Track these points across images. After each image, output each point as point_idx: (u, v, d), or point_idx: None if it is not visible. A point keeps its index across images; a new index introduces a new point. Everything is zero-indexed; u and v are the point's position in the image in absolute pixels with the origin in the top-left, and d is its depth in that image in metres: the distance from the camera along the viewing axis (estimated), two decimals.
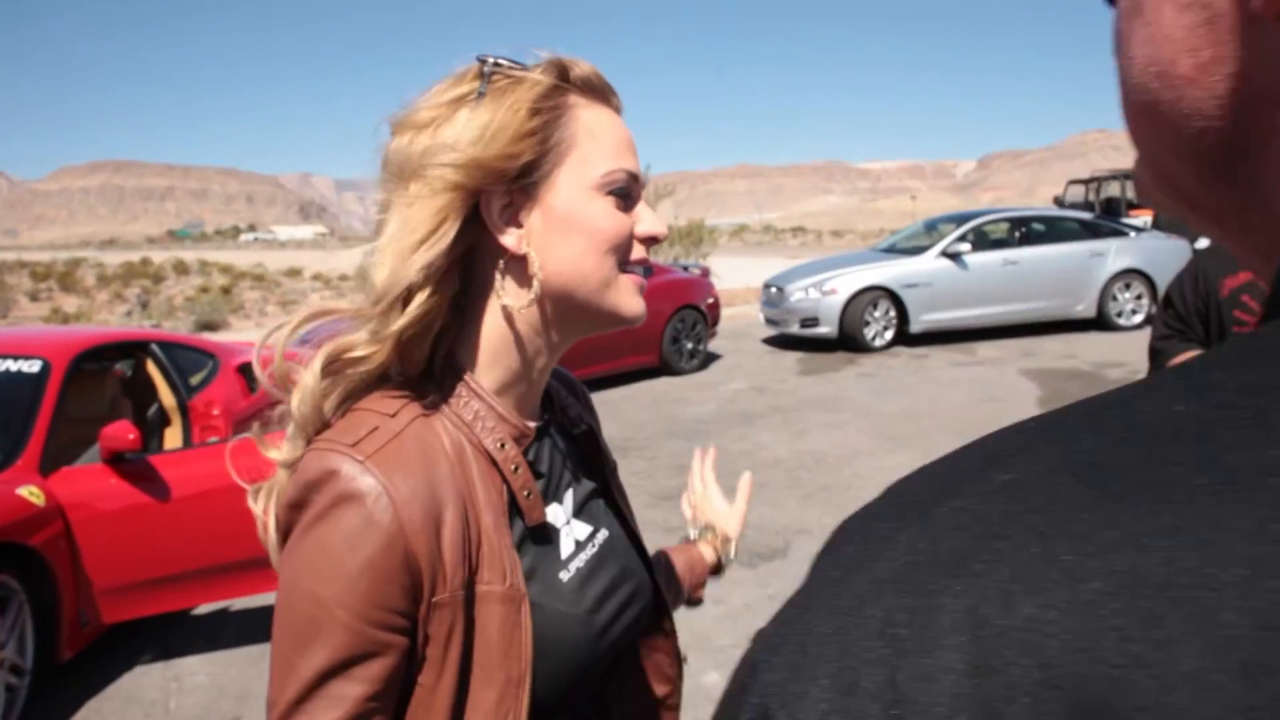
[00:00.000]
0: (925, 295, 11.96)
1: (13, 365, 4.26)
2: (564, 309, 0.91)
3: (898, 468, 6.66)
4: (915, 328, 12.01)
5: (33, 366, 4.25)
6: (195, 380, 5.30)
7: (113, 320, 20.38)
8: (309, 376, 0.86)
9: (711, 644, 4.16)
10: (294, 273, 35.18)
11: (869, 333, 11.83)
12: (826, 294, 11.82)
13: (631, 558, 1.02)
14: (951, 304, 12.07)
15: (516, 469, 0.90)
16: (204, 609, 4.69)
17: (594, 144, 0.90)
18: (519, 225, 0.88)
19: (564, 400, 1.07)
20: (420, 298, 0.84)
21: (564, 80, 0.90)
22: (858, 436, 7.66)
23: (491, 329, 0.90)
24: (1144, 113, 0.40)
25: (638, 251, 0.93)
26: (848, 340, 11.80)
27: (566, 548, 0.94)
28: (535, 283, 0.88)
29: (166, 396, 5.14)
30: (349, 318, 0.89)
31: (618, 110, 0.95)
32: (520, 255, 0.88)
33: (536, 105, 0.86)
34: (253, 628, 4.51)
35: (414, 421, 0.86)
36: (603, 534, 0.99)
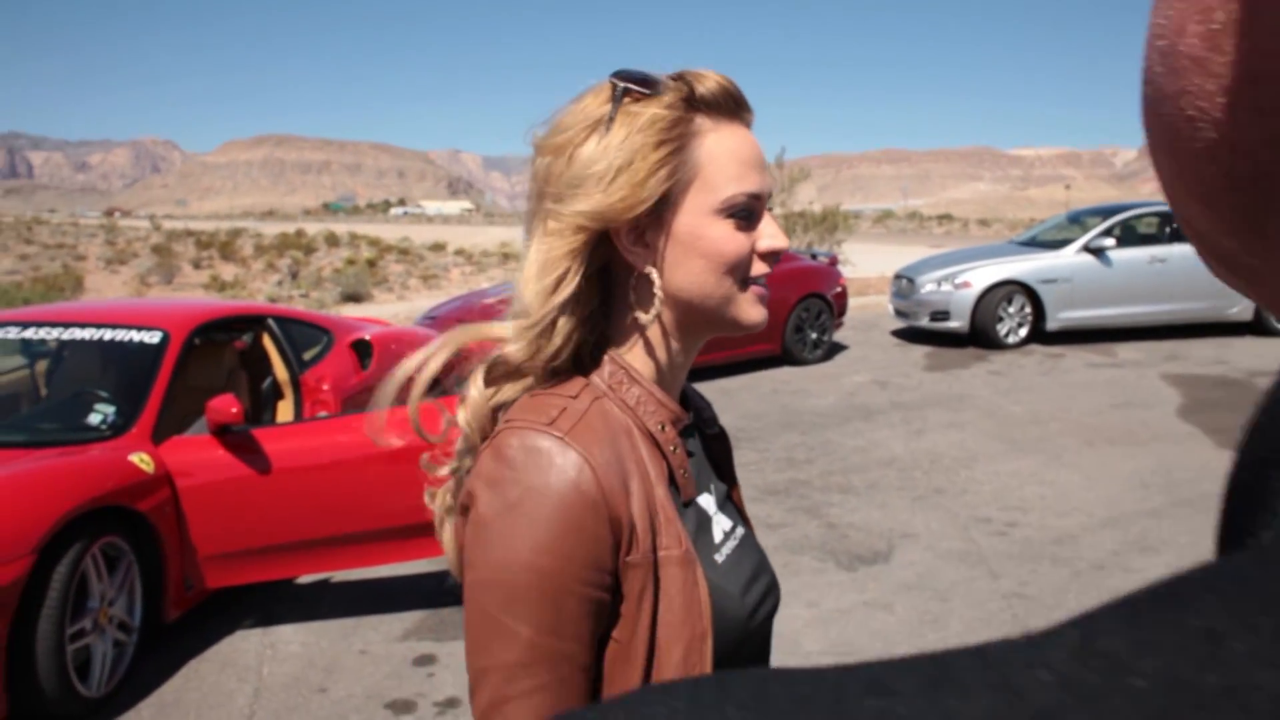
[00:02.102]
0: (1064, 292, 11.43)
1: (135, 335, 4.46)
2: (690, 320, 0.99)
3: (1016, 473, 6.39)
4: (1052, 325, 11.49)
5: (153, 337, 4.44)
6: (309, 356, 5.45)
7: (265, 289, 21.30)
8: (474, 391, 0.96)
9: (800, 648, 4.07)
10: (438, 247, 36.08)
11: (1002, 329, 11.39)
12: (959, 287, 11.43)
13: (762, 554, 1.08)
14: (1092, 302, 11.51)
15: (675, 449, 0.99)
16: (305, 579, 4.84)
17: (716, 168, 0.95)
18: (645, 246, 0.96)
19: (699, 403, 1.15)
20: (562, 323, 0.93)
21: (690, 102, 0.95)
22: (979, 438, 7.38)
23: (632, 331, 1.00)
24: (1149, 119, 0.28)
25: (759, 267, 0.99)
26: (979, 336, 11.39)
27: (717, 534, 1.01)
28: (656, 301, 0.96)
29: (280, 370, 5.31)
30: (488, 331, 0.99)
31: (748, 124, 1.00)
32: (644, 275, 0.96)
33: (662, 138, 0.92)
34: (349, 601, 4.63)
35: (594, 402, 0.94)
36: (740, 530, 1.06)
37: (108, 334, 4.49)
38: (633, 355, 1.00)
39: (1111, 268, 11.46)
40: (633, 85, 0.94)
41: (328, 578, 4.85)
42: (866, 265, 23.33)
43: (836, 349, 11.55)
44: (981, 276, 11.42)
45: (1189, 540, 5.13)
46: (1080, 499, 5.87)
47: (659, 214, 0.95)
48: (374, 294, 20.91)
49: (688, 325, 1.00)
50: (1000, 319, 11.38)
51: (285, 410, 5.31)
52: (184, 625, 4.28)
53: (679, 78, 0.96)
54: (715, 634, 0.93)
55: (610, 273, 0.99)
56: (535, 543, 0.85)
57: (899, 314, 12.40)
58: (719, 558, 0.99)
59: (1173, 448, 6.97)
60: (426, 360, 0.98)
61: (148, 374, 4.28)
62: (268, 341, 5.31)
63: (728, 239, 0.96)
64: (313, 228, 58.31)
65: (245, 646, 4.17)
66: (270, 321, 5.33)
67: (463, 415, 0.97)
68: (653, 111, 0.93)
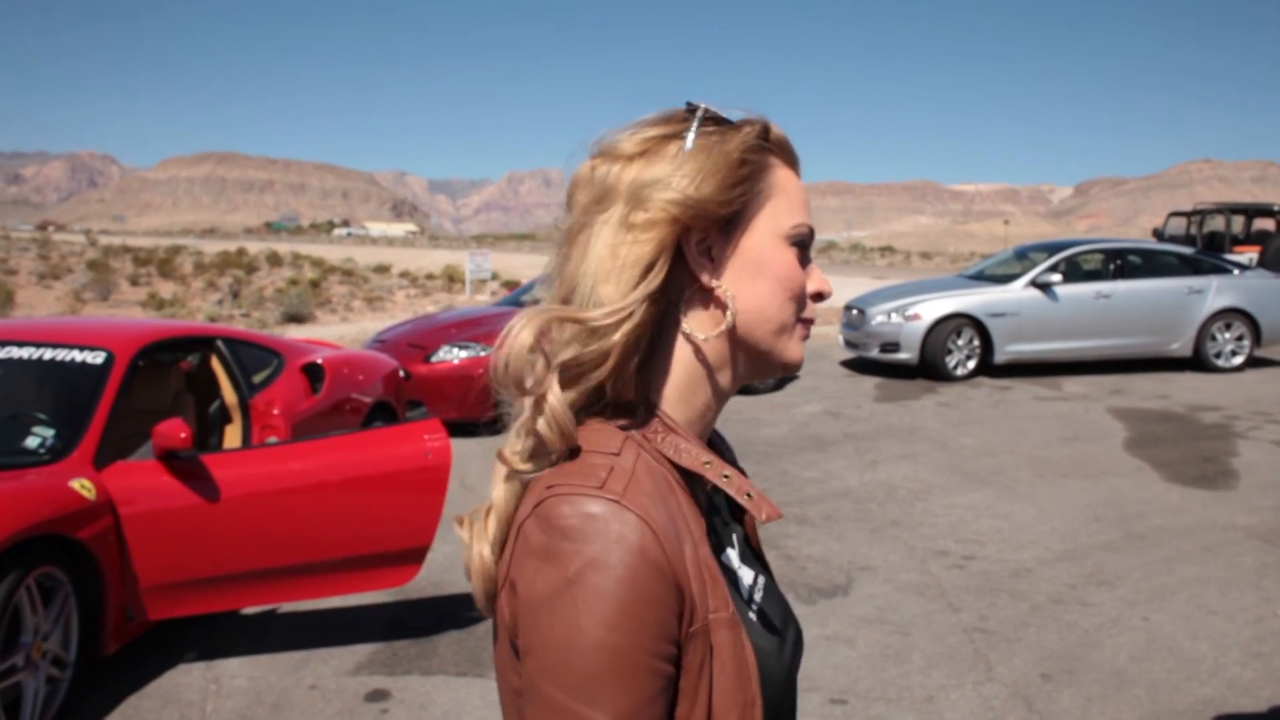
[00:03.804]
0: (1012, 325, 11.61)
1: (78, 355, 4.28)
2: (739, 349, 0.96)
3: (971, 506, 6.41)
4: (999, 358, 11.66)
5: (97, 358, 4.26)
6: (258, 379, 5.28)
7: (205, 307, 20.87)
8: (554, 398, 0.87)
9: None
10: (382, 269, 35.72)
11: (951, 361, 11.51)
12: (909, 319, 11.54)
13: (787, 602, 1.03)
14: (1039, 336, 11.70)
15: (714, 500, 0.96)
16: (252, 610, 4.66)
17: (786, 198, 0.96)
18: (711, 261, 0.93)
19: (720, 446, 1.09)
20: (639, 317, 0.87)
21: (765, 138, 0.97)
22: (932, 470, 7.39)
23: (677, 361, 0.94)
24: None
25: (809, 309, 0.99)
26: (929, 368, 11.52)
27: (744, 589, 0.96)
28: (729, 314, 0.92)
29: (229, 394, 5.13)
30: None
31: (799, 176, 1.02)
32: (707, 289, 0.93)
33: (745, 156, 0.93)
34: (298, 633, 4.47)
35: (638, 458, 0.88)
36: (761, 579, 1.01)
37: (48, 353, 4.30)
38: (666, 399, 0.94)
39: (1058, 303, 11.67)
40: (713, 111, 0.94)
41: (275, 608, 4.68)
42: None
43: (787, 378, 11.57)
44: (931, 309, 11.56)
45: (1143, 574, 5.16)
46: (1035, 532, 5.89)
47: (729, 230, 0.94)
48: (317, 315, 20.56)
49: (734, 357, 0.96)
50: (949, 351, 11.50)
51: (233, 435, 5.13)
52: (123, 659, 4.09)
53: (753, 119, 0.97)
54: (766, 694, 0.88)
55: (663, 292, 0.92)
56: (603, 618, 0.77)
57: (849, 345, 12.48)
58: (752, 615, 0.94)
59: (1122, 481, 7.04)
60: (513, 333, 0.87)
61: (90, 396, 4.10)
62: (216, 363, 5.13)
63: (793, 266, 0.96)
64: (255, 246, 57.48)
65: (188, 681, 3.99)
66: (219, 343, 5.16)
67: (541, 423, 0.87)
68: (737, 135, 0.94)
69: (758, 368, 0.98)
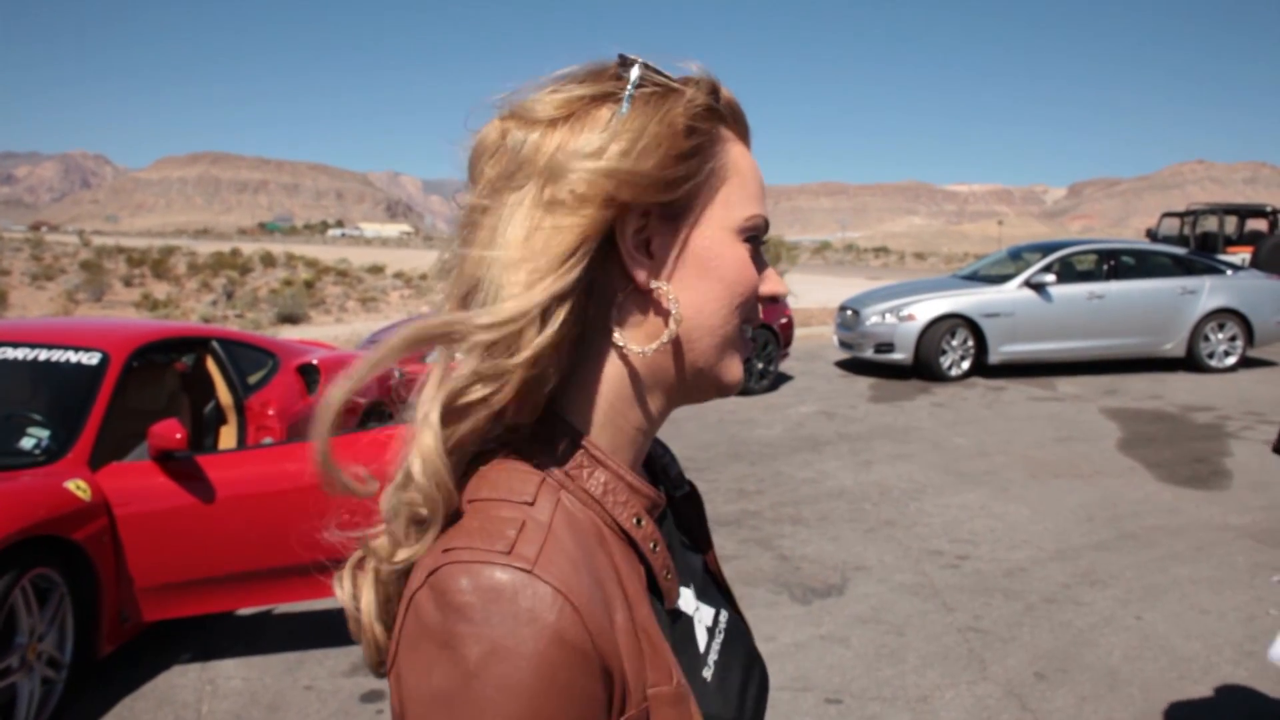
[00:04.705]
0: (1005, 326, 11.65)
1: (73, 356, 4.27)
2: (674, 364, 0.78)
3: (964, 506, 6.42)
4: (993, 359, 11.70)
5: (92, 359, 4.26)
6: (253, 379, 5.29)
7: (199, 308, 20.84)
8: (429, 437, 0.69)
9: None
10: (376, 270, 35.72)
11: (945, 361, 11.55)
12: (903, 320, 11.57)
13: (750, 639, 0.89)
14: (1032, 336, 11.74)
15: (655, 546, 0.77)
16: (246, 611, 4.66)
17: (740, 182, 0.79)
18: (650, 257, 0.76)
19: (663, 459, 0.93)
20: (553, 325, 0.70)
21: (716, 102, 0.79)
22: (926, 470, 7.41)
23: (605, 377, 0.77)
24: None
25: (758, 315, 0.83)
26: (923, 368, 11.55)
27: (701, 638, 0.81)
28: (671, 321, 0.75)
29: (224, 394, 5.14)
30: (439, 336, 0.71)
31: (751, 150, 0.84)
32: (643, 290, 0.76)
33: (692, 124, 0.75)
34: (293, 634, 4.47)
35: (556, 507, 0.71)
36: (724, 616, 0.86)
37: (43, 354, 4.30)
38: (595, 420, 0.77)
39: (1052, 303, 11.71)
40: (652, 67, 0.76)
41: (270, 610, 4.68)
42: (808, 296, 23.58)
43: (782, 379, 11.60)
44: (925, 310, 11.59)
45: (1136, 574, 5.18)
46: (1028, 532, 5.90)
47: (673, 219, 0.76)
48: (311, 315, 20.55)
49: (672, 375, 0.79)
50: (943, 352, 11.54)
51: (228, 436, 5.13)
52: (118, 660, 4.09)
53: (699, 77, 0.79)
54: None
55: (588, 294, 0.75)
56: (513, 719, 0.62)
57: (844, 345, 12.50)
58: (707, 672, 0.79)
59: (1115, 481, 7.06)
60: (378, 361, 0.71)
61: (85, 397, 4.10)
62: (211, 364, 5.13)
63: (746, 266, 0.78)
64: (249, 247, 57.45)
65: (183, 683, 3.99)
66: (214, 344, 5.16)
67: (417, 468, 0.69)
68: (682, 96, 0.76)
69: (691, 388, 0.81)
